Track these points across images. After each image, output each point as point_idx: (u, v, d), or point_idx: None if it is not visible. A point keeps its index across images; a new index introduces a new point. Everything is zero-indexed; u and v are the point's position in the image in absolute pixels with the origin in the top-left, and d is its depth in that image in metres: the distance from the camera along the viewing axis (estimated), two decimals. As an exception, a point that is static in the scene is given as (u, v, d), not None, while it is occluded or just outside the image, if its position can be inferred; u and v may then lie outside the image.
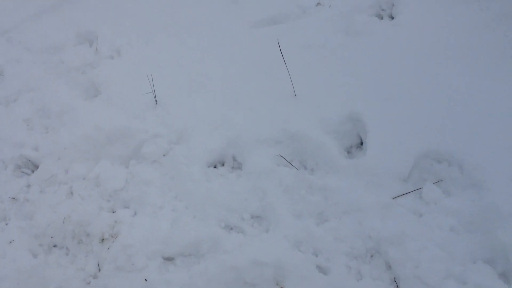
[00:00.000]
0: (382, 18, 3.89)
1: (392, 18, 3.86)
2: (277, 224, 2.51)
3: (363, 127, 2.87)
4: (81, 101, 3.35)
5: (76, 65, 3.68)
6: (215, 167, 2.91)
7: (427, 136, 2.71)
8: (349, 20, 3.70)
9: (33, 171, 3.00)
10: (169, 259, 2.46)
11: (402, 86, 3.04)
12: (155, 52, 3.72)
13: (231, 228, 2.59)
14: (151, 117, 3.11)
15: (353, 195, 2.54)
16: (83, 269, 2.46)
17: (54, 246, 2.60)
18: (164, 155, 2.91)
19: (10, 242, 2.54)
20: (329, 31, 3.65)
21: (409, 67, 3.16)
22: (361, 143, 2.92)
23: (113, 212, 2.69)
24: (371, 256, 2.35)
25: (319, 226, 2.46)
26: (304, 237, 2.41)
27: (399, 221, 2.41)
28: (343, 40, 3.53)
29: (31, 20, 4.45)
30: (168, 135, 2.99)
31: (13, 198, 2.80)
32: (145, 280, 2.32)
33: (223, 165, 2.92)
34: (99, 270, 2.43)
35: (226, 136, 2.94)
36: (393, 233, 2.34)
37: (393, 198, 2.52)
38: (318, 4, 4.09)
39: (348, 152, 2.89)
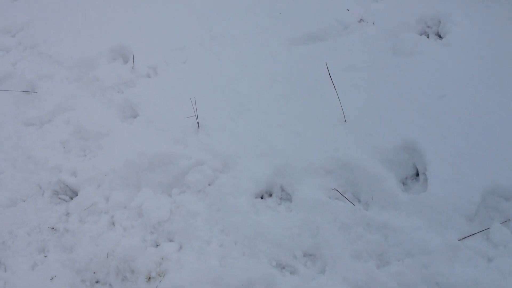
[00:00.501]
0: (428, 36, 3.72)
1: (440, 36, 3.70)
2: (333, 265, 2.35)
3: (421, 158, 2.70)
4: (119, 123, 3.23)
5: (112, 83, 3.55)
6: (261, 197, 2.76)
7: (492, 170, 2.53)
8: (396, 39, 3.54)
9: (71, 198, 2.88)
10: (220, 301, 2.32)
11: (459, 113, 2.86)
12: (192, 70, 3.58)
13: (283, 267, 2.44)
14: (193, 142, 2.97)
15: (416, 235, 2.37)
16: (129, 310, 2.33)
17: (97, 282, 2.47)
18: (209, 184, 2.77)
19: (52, 279, 2.42)
20: (375, 51, 3.50)
21: (466, 92, 2.98)
22: (417, 174, 2.75)
23: (157, 246, 2.56)
24: (441, 306, 2.18)
25: (380, 269, 2.30)
26: (366, 282, 2.25)
27: (468, 265, 2.23)
28: (391, 60, 3.37)
29: (61, 33, 4.35)
30: (212, 162, 2.85)
31: (52, 228, 2.68)
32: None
33: (270, 195, 2.77)
34: (147, 312, 2.30)
35: (273, 164, 2.79)
36: (463, 280, 2.16)
37: (459, 240, 2.34)
38: (361, 20, 3.93)
39: (404, 184, 2.72)
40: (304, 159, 2.78)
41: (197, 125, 3.08)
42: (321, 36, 3.81)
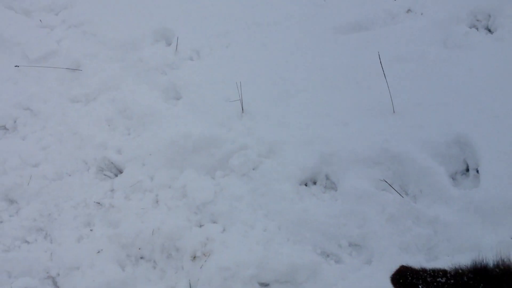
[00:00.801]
0: (477, 29, 3.60)
1: (489, 30, 3.57)
2: (381, 256, 2.32)
3: (473, 153, 2.63)
4: (163, 104, 3.24)
5: (155, 65, 3.56)
6: (305, 185, 2.74)
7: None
8: (447, 31, 3.44)
9: (116, 175, 2.91)
10: (264, 284, 2.31)
11: (514, 109, 2.77)
12: (236, 55, 3.55)
13: (328, 255, 2.42)
14: (238, 127, 2.96)
15: (467, 231, 2.31)
16: (173, 287, 2.34)
17: (141, 258, 2.50)
18: (253, 169, 2.75)
19: (99, 252, 2.45)
20: (424, 42, 3.40)
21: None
22: (467, 170, 2.68)
23: (201, 226, 2.57)
24: (494, 304, 2.12)
25: (429, 264, 2.25)
26: (415, 275, 2.20)
27: (523, 265, 2.16)
28: (442, 52, 3.27)
29: (105, 13, 4.38)
30: (257, 147, 2.83)
31: (98, 203, 2.72)
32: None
33: (314, 183, 2.74)
34: (192, 290, 2.31)
35: (319, 152, 2.76)
36: (518, 279, 2.10)
37: (511, 238, 2.28)
38: (409, 11, 3.83)
39: (453, 179, 2.65)
40: (352, 149, 2.73)
41: (241, 109, 3.07)
42: (367, 26, 3.73)
